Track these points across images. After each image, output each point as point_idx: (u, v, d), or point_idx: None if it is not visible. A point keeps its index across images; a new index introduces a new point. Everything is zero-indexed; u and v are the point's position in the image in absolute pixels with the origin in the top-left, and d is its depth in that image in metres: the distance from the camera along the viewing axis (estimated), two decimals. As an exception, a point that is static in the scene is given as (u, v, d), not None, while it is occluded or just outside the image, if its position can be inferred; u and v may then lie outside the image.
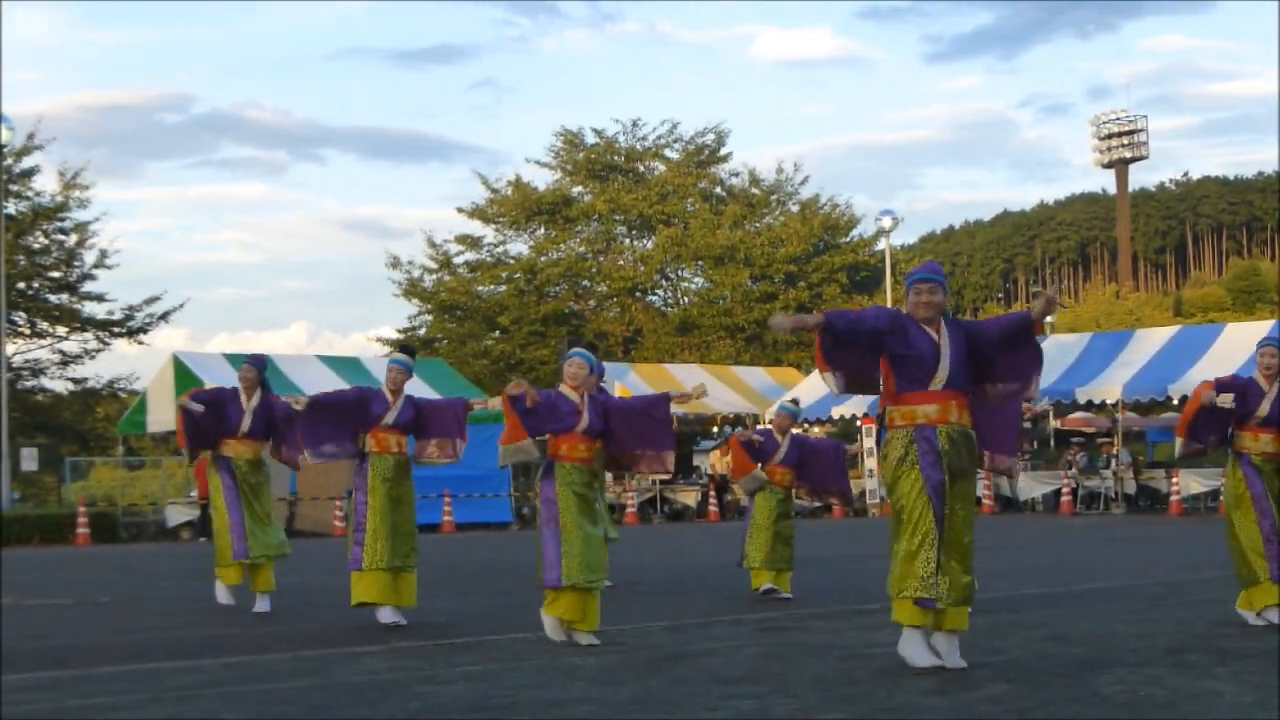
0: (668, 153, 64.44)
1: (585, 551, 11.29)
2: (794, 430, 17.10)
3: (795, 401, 18.17)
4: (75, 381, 51.67)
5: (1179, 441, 12.33)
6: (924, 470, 9.30)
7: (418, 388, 33.71)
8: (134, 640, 12.74)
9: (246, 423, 15.21)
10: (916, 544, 9.22)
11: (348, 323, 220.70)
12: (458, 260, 62.79)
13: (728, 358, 57.52)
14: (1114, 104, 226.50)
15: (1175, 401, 38.27)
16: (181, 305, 51.76)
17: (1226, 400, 11.86)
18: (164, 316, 51.04)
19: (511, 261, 62.59)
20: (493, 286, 62.03)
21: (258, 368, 15.56)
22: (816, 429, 45.35)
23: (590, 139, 63.93)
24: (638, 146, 64.07)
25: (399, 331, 63.82)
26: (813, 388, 44.42)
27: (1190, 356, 36.92)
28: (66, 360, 50.91)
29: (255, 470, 15.34)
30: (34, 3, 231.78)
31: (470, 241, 62.77)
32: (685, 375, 46.75)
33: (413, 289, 61.90)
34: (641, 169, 64.29)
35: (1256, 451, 11.83)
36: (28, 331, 50.00)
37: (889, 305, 52.26)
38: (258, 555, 14.96)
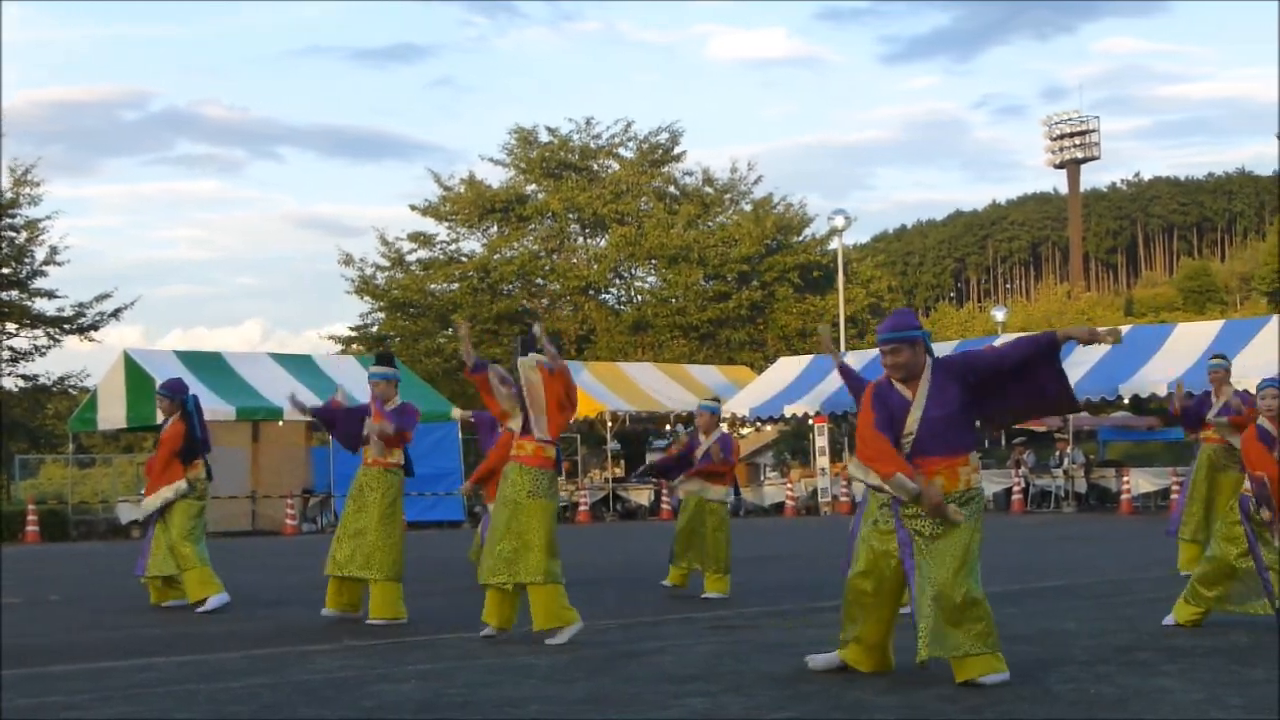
0: (622, 151, 64.36)
1: (489, 552, 11.39)
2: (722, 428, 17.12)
3: (717, 399, 18.04)
4: (25, 378, 51.40)
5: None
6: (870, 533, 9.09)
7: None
8: (85, 639, 12.70)
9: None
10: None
11: (301, 320, 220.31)
12: (410, 258, 62.64)
13: (681, 357, 57.47)
14: (1066, 105, 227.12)
15: (1126, 401, 38.43)
16: (133, 302, 51.51)
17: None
18: (115, 313, 50.83)
19: (465, 259, 62.45)
20: (446, 284, 61.87)
21: (168, 396, 15.58)
22: (769, 427, 45.44)
23: (544, 137, 63.85)
24: (591, 145, 63.98)
25: (351, 329, 63.66)
26: (765, 386, 44.49)
27: (1141, 356, 37.02)
28: (16, 357, 50.62)
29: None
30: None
31: (423, 239, 62.61)
32: (639, 374, 46.80)
33: (365, 286, 61.66)
34: (595, 167, 64.20)
35: None
36: (-24, 328, 49.72)
37: (841, 303, 52.49)
38: (152, 574, 15.25)
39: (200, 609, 14.62)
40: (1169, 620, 11.63)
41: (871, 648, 9.12)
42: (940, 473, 8.81)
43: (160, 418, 15.91)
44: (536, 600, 11.31)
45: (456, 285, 61.39)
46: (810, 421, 41.57)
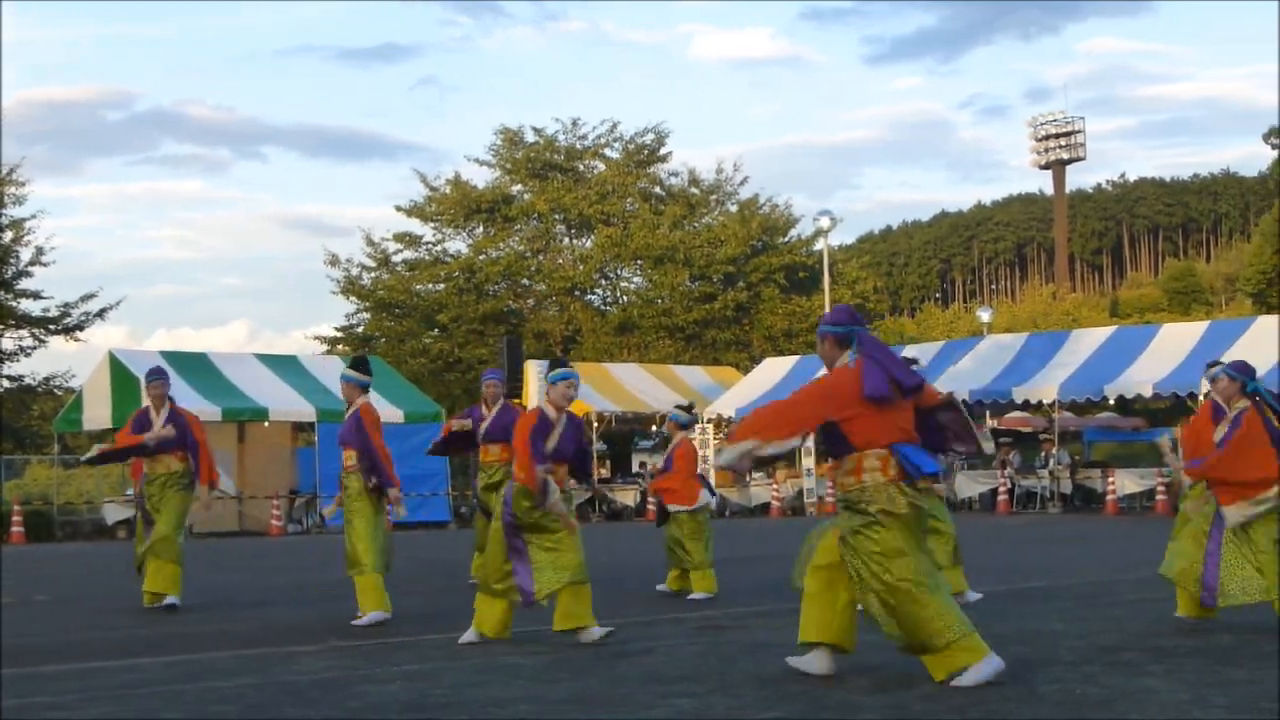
0: (608, 152, 64.32)
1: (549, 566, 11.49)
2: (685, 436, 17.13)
3: (687, 409, 17.90)
4: (11, 379, 51.37)
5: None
6: None
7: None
8: (72, 639, 12.69)
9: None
10: None
11: (286, 320, 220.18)
12: (396, 258, 62.62)
13: (667, 357, 57.50)
14: (1051, 106, 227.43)
15: (1111, 401, 38.47)
16: (118, 303, 51.50)
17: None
18: (100, 314, 50.84)
19: (450, 260, 62.42)
20: (431, 285, 61.83)
21: (164, 380, 15.57)
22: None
23: (530, 137, 63.82)
24: (577, 145, 63.96)
25: (337, 329, 63.65)
26: (751, 387, 44.49)
27: (1126, 357, 37.12)
28: (1, 358, 50.56)
29: (159, 482, 15.44)
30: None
31: (409, 240, 62.58)
32: (624, 375, 46.79)
33: (350, 286, 61.63)
34: (581, 168, 64.17)
35: None
36: (-39, 329, 49.66)
37: (827, 304, 52.48)
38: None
39: (162, 603, 14.81)
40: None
41: (829, 628, 9.16)
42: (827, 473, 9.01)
43: (145, 404, 15.84)
44: (571, 597, 11.42)
45: (442, 286, 61.37)
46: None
